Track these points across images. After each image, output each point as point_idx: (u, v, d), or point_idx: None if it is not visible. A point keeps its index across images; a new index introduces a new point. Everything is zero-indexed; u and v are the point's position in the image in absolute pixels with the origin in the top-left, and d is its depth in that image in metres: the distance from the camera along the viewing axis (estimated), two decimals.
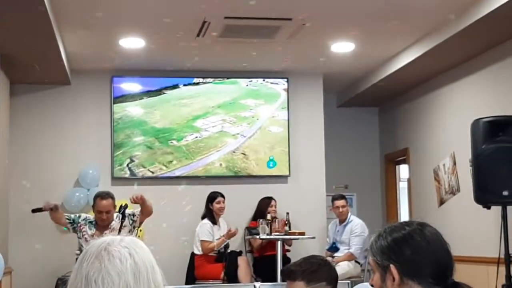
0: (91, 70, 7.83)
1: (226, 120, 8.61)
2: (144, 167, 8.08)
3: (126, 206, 5.65)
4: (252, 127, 8.52)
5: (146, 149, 8.23)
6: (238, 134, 8.51)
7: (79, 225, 5.94)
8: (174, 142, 8.41)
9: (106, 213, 5.80)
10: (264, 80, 8.44)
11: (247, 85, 8.49)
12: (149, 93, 8.31)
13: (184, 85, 8.37)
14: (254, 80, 8.45)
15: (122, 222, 5.73)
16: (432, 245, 1.82)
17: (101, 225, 5.86)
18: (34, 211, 5.99)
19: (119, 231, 5.67)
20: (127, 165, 8.02)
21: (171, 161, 8.23)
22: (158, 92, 8.36)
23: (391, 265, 1.81)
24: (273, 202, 7.85)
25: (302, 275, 3.26)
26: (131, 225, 5.88)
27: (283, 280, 3.43)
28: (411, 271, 1.79)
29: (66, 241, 7.68)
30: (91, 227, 5.90)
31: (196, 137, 8.40)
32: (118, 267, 1.50)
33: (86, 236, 5.83)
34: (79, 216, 6.01)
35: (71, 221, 5.96)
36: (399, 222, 1.96)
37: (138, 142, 8.18)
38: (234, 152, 8.36)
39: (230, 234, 7.22)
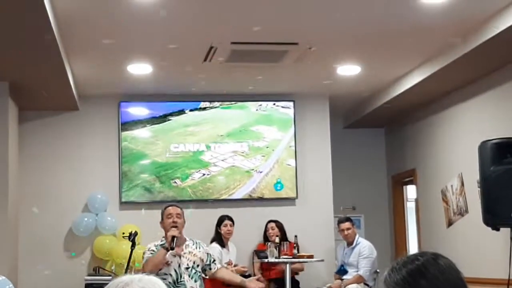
0: (99, 95, 7.88)
1: (238, 152, 8.27)
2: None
3: (136, 234, 5.64)
4: (268, 160, 8.25)
5: (144, 192, 7.96)
6: (252, 170, 8.21)
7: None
8: (178, 182, 8.13)
9: (176, 215, 5.33)
10: (274, 104, 8.34)
11: (256, 110, 8.33)
12: (153, 120, 8.09)
13: (191, 110, 8.20)
14: (263, 104, 8.33)
15: (202, 252, 5.39)
16: (446, 274, 1.83)
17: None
18: (172, 248, 5.23)
19: (199, 260, 5.33)
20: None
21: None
22: (163, 118, 8.12)
23: None
24: (269, 225, 7.83)
25: None
26: (206, 264, 5.43)
27: None
28: None
29: (74, 266, 7.71)
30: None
31: (204, 174, 8.12)
32: None
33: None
34: (154, 246, 5.40)
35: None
36: (411, 254, 1.97)
37: (136, 182, 7.93)
38: (250, 195, 8.10)
39: (239, 270, 7.21)
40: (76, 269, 7.64)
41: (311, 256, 7.38)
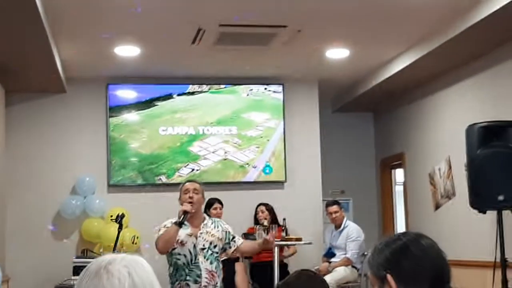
0: (86, 78, 7.84)
1: (229, 142, 8.00)
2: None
3: (123, 216, 5.62)
4: (264, 152, 8.05)
5: (133, 175, 7.80)
6: (247, 164, 8.00)
7: None
8: (163, 178, 7.89)
9: (193, 191, 5.03)
10: (266, 89, 8.23)
11: (247, 95, 8.18)
12: (138, 106, 7.89)
13: (178, 94, 8.04)
14: (254, 89, 8.20)
15: (220, 232, 5.08)
16: (428, 254, 1.84)
17: (192, 217, 5.00)
18: (181, 222, 4.91)
19: (217, 240, 5.02)
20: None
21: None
22: (149, 103, 7.91)
23: (388, 275, 1.82)
24: (259, 209, 7.85)
25: None
26: (225, 244, 5.12)
27: None
28: (408, 280, 1.81)
29: (62, 249, 7.70)
30: (184, 227, 4.98)
31: (193, 170, 7.90)
32: (116, 286, 1.51)
33: (179, 238, 4.93)
34: (170, 222, 5.05)
35: None
36: (394, 234, 1.98)
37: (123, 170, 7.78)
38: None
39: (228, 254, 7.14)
40: (64, 252, 7.63)
41: (299, 239, 7.39)
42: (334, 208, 7.99)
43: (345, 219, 8.07)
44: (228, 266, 7.17)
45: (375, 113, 9.71)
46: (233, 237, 5.18)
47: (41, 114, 7.89)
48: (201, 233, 4.99)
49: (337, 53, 7.21)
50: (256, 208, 7.89)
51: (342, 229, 7.96)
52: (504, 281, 5.58)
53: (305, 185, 8.35)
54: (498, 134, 5.74)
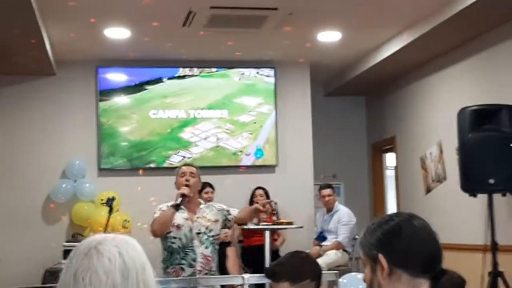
0: (76, 60, 7.78)
1: (222, 128, 7.90)
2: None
3: (113, 199, 5.59)
4: (258, 138, 7.98)
5: (124, 159, 7.70)
6: (241, 152, 7.92)
7: None
8: (153, 166, 7.81)
9: (190, 174, 4.98)
10: (258, 73, 8.15)
11: (239, 79, 8.08)
12: (128, 89, 7.79)
13: (169, 78, 7.94)
14: (246, 72, 8.11)
15: (216, 215, 5.05)
16: (420, 234, 1.84)
17: (188, 201, 4.95)
18: (179, 205, 4.88)
19: (213, 225, 4.97)
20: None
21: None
22: (139, 87, 7.79)
23: (380, 255, 1.82)
24: (257, 192, 7.84)
25: (286, 276, 3.24)
26: (223, 221, 5.10)
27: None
28: (400, 260, 1.81)
29: (52, 232, 7.67)
30: (181, 211, 4.95)
31: (184, 157, 7.79)
32: (106, 266, 1.50)
33: (174, 222, 4.88)
34: (166, 206, 4.99)
35: None
36: (387, 215, 1.97)
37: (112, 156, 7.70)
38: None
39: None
40: (54, 235, 7.61)
41: (290, 223, 7.38)
42: (328, 191, 8.00)
43: (336, 203, 8.09)
44: (219, 251, 7.16)
45: (367, 97, 9.70)
46: (228, 211, 5.15)
47: (30, 97, 7.83)
48: (197, 217, 4.95)
49: (329, 36, 7.17)
50: (254, 192, 7.88)
51: (334, 213, 7.97)
52: (495, 264, 5.60)
53: (296, 169, 8.34)
54: (489, 117, 5.74)
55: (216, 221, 5.01)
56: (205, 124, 7.98)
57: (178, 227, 4.90)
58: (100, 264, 1.49)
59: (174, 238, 4.89)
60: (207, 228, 4.96)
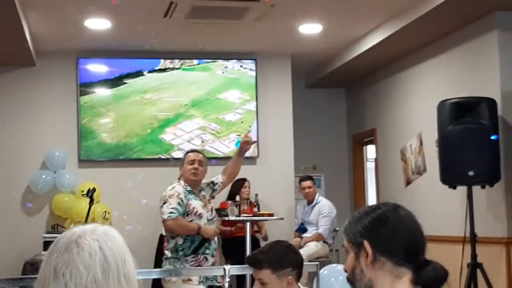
0: (56, 51, 7.72)
1: (207, 129, 7.56)
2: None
3: (94, 190, 5.58)
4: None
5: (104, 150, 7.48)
6: (230, 158, 7.64)
7: (186, 206, 4.97)
8: (134, 157, 7.57)
9: (198, 163, 5.00)
10: (241, 66, 8.00)
11: (223, 73, 7.90)
12: (107, 83, 7.59)
13: (149, 71, 7.75)
14: (229, 65, 7.95)
15: (207, 194, 5.15)
16: (406, 224, 1.87)
17: (195, 187, 5.02)
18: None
19: (211, 204, 5.17)
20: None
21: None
22: (118, 81, 7.56)
23: (365, 241, 1.84)
24: (246, 184, 7.83)
25: (268, 263, 3.27)
26: (210, 195, 5.21)
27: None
28: (385, 248, 1.83)
29: (32, 224, 7.63)
30: (195, 197, 4.99)
31: (169, 159, 7.51)
32: (87, 261, 1.49)
33: (196, 210, 4.94)
34: (177, 196, 4.92)
35: (182, 212, 4.95)
36: (373, 204, 2.00)
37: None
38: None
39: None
40: (34, 226, 7.56)
41: (271, 214, 7.40)
42: (308, 183, 8.03)
43: (317, 194, 8.12)
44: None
45: (347, 89, 9.72)
46: (212, 182, 5.22)
47: (10, 88, 7.76)
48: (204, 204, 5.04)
49: (310, 28, 7.18)
50: (235, 183, 7.85)
51: (314, 205, 8.01)
52: (473, 256, 5.66)
53: (277, 160, 8.35)
54: (469, 110, 5.79)
55: (212, 197, 5.15)
56: (189, 124, 7.68)
57: (200, 216, 4.93)
58: (80, 259, 1.48)
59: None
60: (211, 210, 5.10)
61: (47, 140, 7.75)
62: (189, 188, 4.99)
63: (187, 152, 5.17)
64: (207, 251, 4.94)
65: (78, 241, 1.51)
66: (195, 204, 4.93)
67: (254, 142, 5.35)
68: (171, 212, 4.87)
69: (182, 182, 5.02)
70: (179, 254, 4.93)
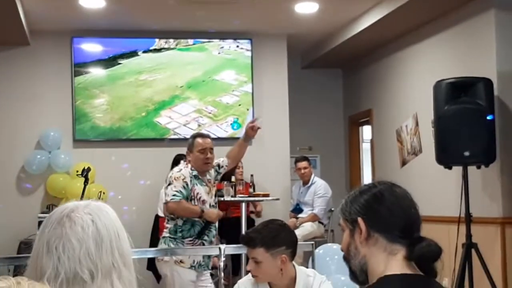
0: (50, 30, 7.66)
1: (203, 111, 7.44)
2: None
3: (89, 169, 5.56)
4: (244, 124, 7.39)
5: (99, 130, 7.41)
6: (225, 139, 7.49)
7: (191, 191, 4.91)
8: (129, 137, 7.53)
9: (210, 150, 4.90)
10: (238, 47, 7.92)
11: (219, 53, 7.80)
12: (101, 63, 7.51)
13: (144, 51, 7.65)
14: (225, 46, 7.87)
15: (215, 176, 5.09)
16: (400, 201, 1.87)
17: (202, 173, 4.94)
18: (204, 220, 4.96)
19: (215, 188, 5.13)
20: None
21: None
22: (113, 61, 7.49)
23: (359, 218, 1.84)
24: (240, 164, 7.82)
25: (262, 242, 3.27)
26: (215, 178, 5.14)
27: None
28: (379, 224, 1.83)
29: (27, 204, 7.62)
30: (201, 182, 4.92)
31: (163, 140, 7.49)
32: (80, 234, 1.48)
33: (200, 196, 4.90)
34: (183, 179, 4.85)
35: (185, 196, 4.89)
36: (370, 182, 1.99)
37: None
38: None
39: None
40: (29, 207, 7.55)
41: (266, 195, 7.40)
42: (304, 163, 8.03)
43: (312, 175, 8.12)
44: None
45: (343, 69, 9.69)
46: (218, 164, 5.14)
47: (3, 67, 7.71)
48: (211, 191, 5.01)
49: (306, 8, 7.13)
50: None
51: (310, 185, 8.01)
52: (468, 236, 5.67)
53: (273, 141, 8.33)
54: (465, 90, 5.77)
55: (216, 181, 5.10)
56: (185, 107, 7.57)
57: (204, 202, 4.88)
58: (72, 232, 1.48)
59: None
60: (215, 197, 5.07)
61: (41, 120, 7.72)
62: (195, 173, 4.93)
63: (195, 137, 5.04)
64: (206, 237, 4.93)
65: (71, 215, 1.51)
66: (200, 190, 4.89)
67: (259, 128, 5.25)
68: (174, 195, 4.83)
69: (189, 166, 4.96)
70: (177, 235, 4.92)
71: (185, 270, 4.85)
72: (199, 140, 4.94)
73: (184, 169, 4.94)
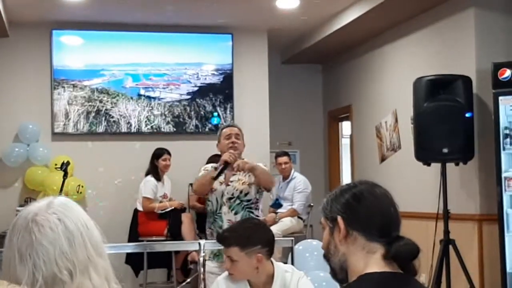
0: (30, 22, 7.59)
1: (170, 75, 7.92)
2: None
3: (68, 163, 5.53)
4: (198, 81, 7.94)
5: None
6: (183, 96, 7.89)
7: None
8: (108, 131, 7.78)
9: (235, 136, 4.79)
10: (217, 40, 8.13)
11: (198, 46, 8.11)
12: (80, 56, 7.71)
13: (125, 44, 7.87)
14: (205, 39, 8.11)
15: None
16: (380, 201, 1.89)
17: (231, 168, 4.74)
18: (219, 173, 4.68)
19: (248, 188, 4.74)
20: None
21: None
22: (93, 52, 7.74)
23: (339, 217, 1.86)
24: (216, 159, 7.81)
25: (236, 241, 3.27)
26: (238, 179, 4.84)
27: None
28: (357, 223, 1.85)
29: (5, 197, 7.56)
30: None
31: (137, 85, 7.79)
32: (50, 236, 1.47)
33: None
34: (211, 166, 4.84)
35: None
36: (350, 182, 2.02)
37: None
38: None
39: (175, 204, 7.23)
40: (6, 199, 7.49)
41: None
42: (284, 159, 8.04)
43: (292, 170, 8.13)
44: (174, 217, 7.17)
45: (323, 65, 9.71)
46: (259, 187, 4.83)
47: None
48: (231, 181, 4.73)
49: (287, 3, 7.13)
50: (211, 158, 7.82)
51: (290, 181, 8.02)
52: (446, 232, 5.72)
53: (253, 136, 8.27)
54: (444, 87, 5.81)
55: (252, 183, 4.74)
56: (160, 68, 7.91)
57: (212, 190, 4.73)
58: (42, 235, 1.46)
59: (209, 200, 4.77)
60: (241, 192, 4.71)
61: (20, 113, 7.65)
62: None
63: (222, 129, 4.95)
64: (212, 227, 4.68)
65: (36, 219, 1.49)
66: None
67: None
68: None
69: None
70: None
71: (209, 263, 4.66)
72: (224, 129, 4.90)
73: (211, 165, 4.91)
